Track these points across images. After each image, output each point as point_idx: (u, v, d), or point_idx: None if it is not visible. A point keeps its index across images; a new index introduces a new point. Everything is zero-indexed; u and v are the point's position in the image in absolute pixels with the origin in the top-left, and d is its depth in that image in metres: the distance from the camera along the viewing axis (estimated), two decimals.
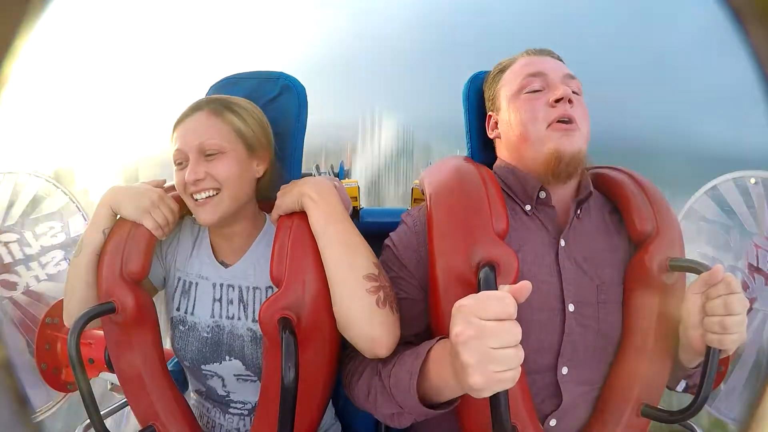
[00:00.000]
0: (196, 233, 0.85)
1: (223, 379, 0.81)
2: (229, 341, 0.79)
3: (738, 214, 1.39)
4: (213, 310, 0.80)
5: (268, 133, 0.82)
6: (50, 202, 1.54)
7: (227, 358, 0.79)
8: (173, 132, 0.78)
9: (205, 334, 0.80)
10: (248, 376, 0.80)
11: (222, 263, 0.82)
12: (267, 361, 0.73)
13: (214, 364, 0.80)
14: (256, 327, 0.78)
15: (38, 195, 1.53)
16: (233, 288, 0.80)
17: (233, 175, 0.75)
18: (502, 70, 0.83)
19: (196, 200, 0.75)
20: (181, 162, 0.76)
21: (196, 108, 0.77)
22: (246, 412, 0.82)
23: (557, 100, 0.72)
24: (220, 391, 0.82)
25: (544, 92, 0.75)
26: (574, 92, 0.75)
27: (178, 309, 0.82)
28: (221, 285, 0.81)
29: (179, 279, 0.83)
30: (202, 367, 0.81)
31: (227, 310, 0.80)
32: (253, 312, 0.79)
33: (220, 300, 0.80)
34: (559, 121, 0.72)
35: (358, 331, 0.69)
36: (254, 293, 0.80)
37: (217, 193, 0.75)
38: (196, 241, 0.85)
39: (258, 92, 0.87)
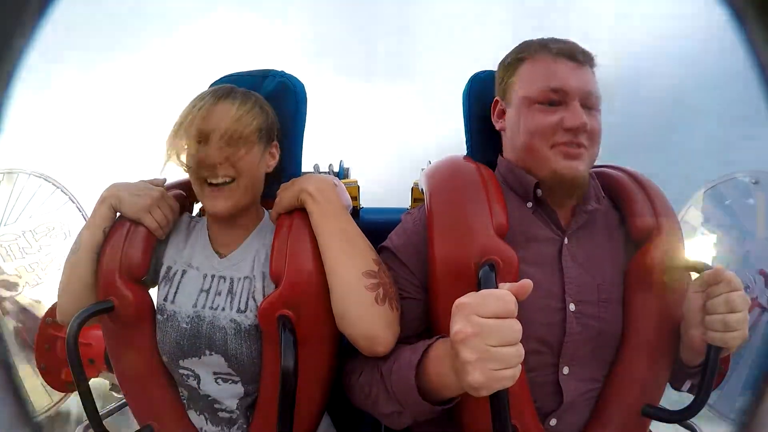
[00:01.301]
0: (191, 225, 0.84)
1: (199, 380, 0.77)
2: (209, 333, 0.75)
3: (738, 214, 1.39)
4: (197, 300, 0.77)
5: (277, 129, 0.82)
6: (50, 202, 1.54)
7: (207, 352, 0.75)
8: (195, 111, 0.74)
9: (184, 325, 0.76)
10: (229, 375, 0.76)
11: (218, 253, 0.80)
12: (266, 359, 0.73)
13: (193, 359, 0.76)
14: (241, 318, 0.75)
15: (38, 195, 1.53)
16: (224, 279, 0.78)
17: (252, 165, 0.75)
18: (521, 59, 0.77)
19: (210, 184, 0.73)
20: (200, 141, 0.73)
21: (222, 95, 0.76)
22: (235, 414, 0.77)
23: (570, 129, 0.70)
24: (201, 391, 0.78)
25: (560, 109, 0.71)
26: (592, 110, 0.72)
27: (157, 297, 0.80)
28: (212, 276, 0.78)
29: (163, 266, 0.81)
30: (180, 362, 0.76)
31: (213, 301, 0.77)
32: (239, 302, 0.76)
33: (207, 291, 0.78)
34: (567, 145, 0.70)
35: (357, 328, 0.69)
36: (244, 283, 0.77)
37: (231, 181, 0.74)
38: (192, 232, 0.83)
39: (256, 90, 0.87)
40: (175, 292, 0.78)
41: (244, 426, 0.77)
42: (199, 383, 0.77)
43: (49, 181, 1.56)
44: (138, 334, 0.77)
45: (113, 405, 1.03)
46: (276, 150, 0.82)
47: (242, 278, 0.78)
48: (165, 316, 0.78)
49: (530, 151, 0.74)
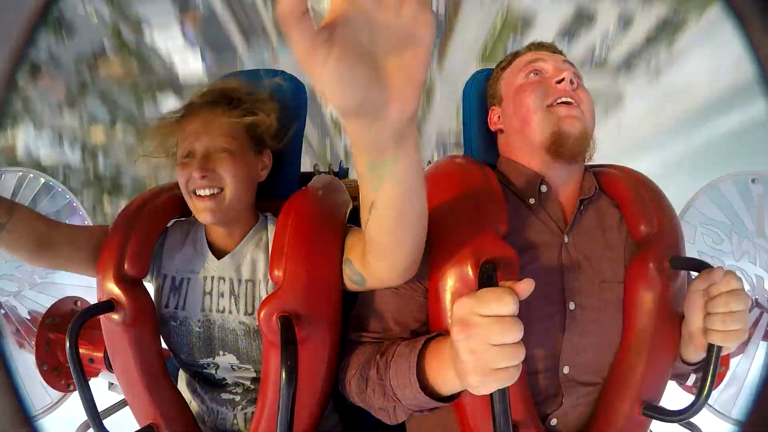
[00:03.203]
0: (186, 233, 0.85)
1: (217, 367, 0.81)
2: (221, 335, 0.79)
3: (738, 214, 1.39)
4: (204, 303, 0.80)
5: (276, 127, 0.82)
6: (50, 202, 1.54)
7: (221, 353, 0.79)
8: (182, 120, 0.77)
9: (197, 329, 0.79)
10: (242, 366, 0.80)
11: (215, 255, 0.81)
12: (266, 361, 0.73)
13: (208, 359, 0.80)
14: (249, 320, 0.77)
15: (38, 194, 1.53)
16: (224, 280, 0.80)
17: (238, 176, 0.76)
18: (504, 67, 0.84)
19: (198, 195, 0.75)
20: (188, 155, 0.75)
21: (209, 102, 0.77)
22: (238, 396, 0.81)
23: (559, 81, 0.73)
24: (217, 377, 0.82)
25: (546, 78, 0.76)
26: (575, 75, 0.75)
27: (167, 306, 0.81)
28: (212, 278, 0.80)
29: (166, 276, 0.82)
30: (197, 360, 0.81)
31: (218, 303, 0.79)
32: (245, 305, 0.78)
33: (210, 293, 0.80)
34: (560, 102, 0.72)
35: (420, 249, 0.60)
36: (246, 286, 0.79)
37: (219, 192, 0.75)
38: (188, 239, 0.84)
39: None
40: (185, 299, 0.81)
41: (248, 407, 0.80)
42: (216, 370, 0.81)
43: (49, 181, 1.56)
44: (138, 335, 0.77)
45: (113, 405, 1.03)
46: (268, 159, 0.82)
47: (242, 280, 0.79)
48: (178, 322, 0.80)
49: (529, 122, 0.75)
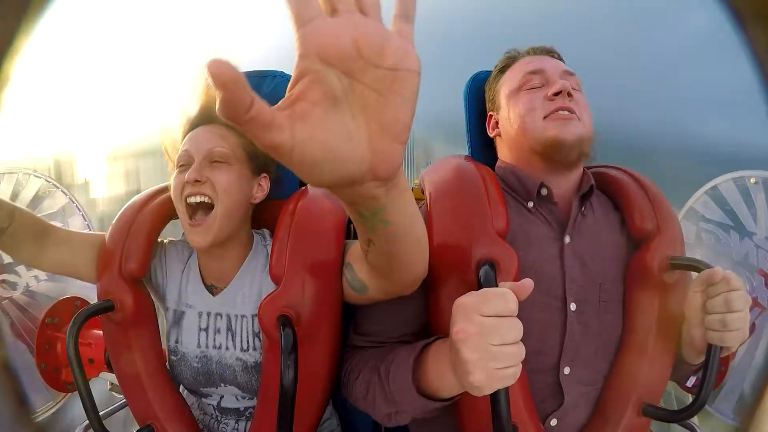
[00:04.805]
0: (185, 259, 0.83)
1: (221, 397, 0.80)
2: (220, 371, 0.78)
3: (738, 214, 1.39)
4: (199, 339, 0.78)
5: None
6: (50, 202, 1.54)
7: (222, 385, 0.79)
8: (183, 135, 0.78)
9: (195, 364, 0.79)
10: (246, 395, 0.79)
11: (210, 287, 0.80)
12: (266, 360, 0.73)
13: (211, 388, 0.80)
14: (246, 356, 0.77)
15: (38, 195, 1.53)
16: (221, 316, 0.78)
17: (232, 188, 0.74)
18: (502, 70, 0.84)
19: (189, 203, 0.73)
20: (183, 164, 0.74)
21: (213, 118, 0.77)
22: (241, 407, 0.81)
23: (556, 94, 0.73)
24: (220, 404, 0.81)
25: (543, 88, 0.76)
26: (573, 88, 0.75)
27: (168, 340, 0.81)
28: (208, 314, 0.79)
29: (170, 310, 0.81)
30: (200, 389, 0.81)
31: (214, 339, 0.78)
32: (242, 341, 0.77)
33: (206, 329, 0.78)
34: (557, 113, 0.72)
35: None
36: (242, 321, 0.77)
37: (209, 203, 0.73)
38: (185, 267, 0.82)
39: (255, 90, 0.87)
40: (182, 334, 0.80)
41: (251, 419, 0.79)
42: (221, 400, 0.81)
43: (50, 181, 1.56)
44: (138, 334, 0.78)
45: (113, 405, 1.03)
46: (265, 182, 0.81)
47: (239, 316, 0.78)
48: (177, 357, 0.80)
49: (525, 131, 0.75)
